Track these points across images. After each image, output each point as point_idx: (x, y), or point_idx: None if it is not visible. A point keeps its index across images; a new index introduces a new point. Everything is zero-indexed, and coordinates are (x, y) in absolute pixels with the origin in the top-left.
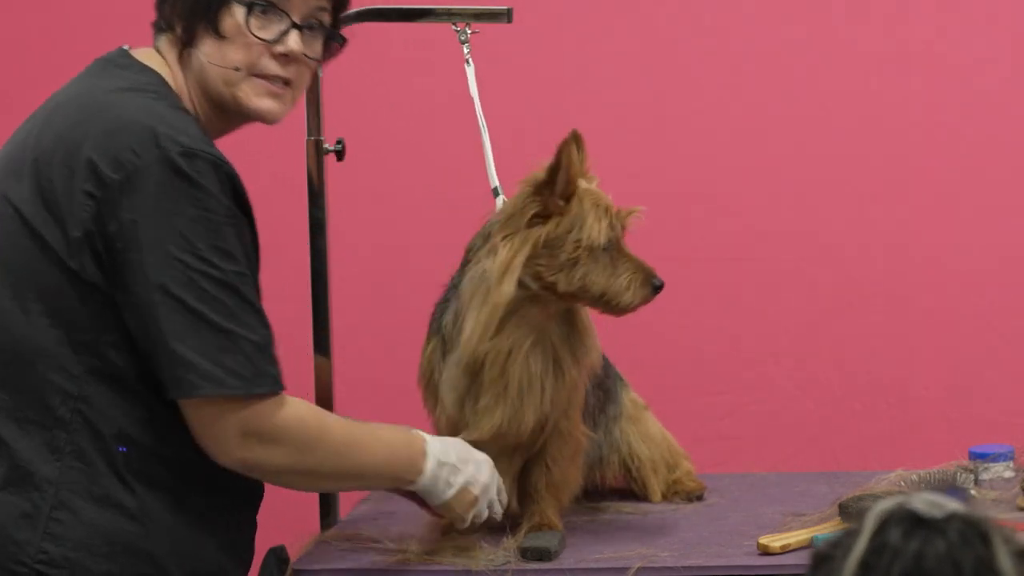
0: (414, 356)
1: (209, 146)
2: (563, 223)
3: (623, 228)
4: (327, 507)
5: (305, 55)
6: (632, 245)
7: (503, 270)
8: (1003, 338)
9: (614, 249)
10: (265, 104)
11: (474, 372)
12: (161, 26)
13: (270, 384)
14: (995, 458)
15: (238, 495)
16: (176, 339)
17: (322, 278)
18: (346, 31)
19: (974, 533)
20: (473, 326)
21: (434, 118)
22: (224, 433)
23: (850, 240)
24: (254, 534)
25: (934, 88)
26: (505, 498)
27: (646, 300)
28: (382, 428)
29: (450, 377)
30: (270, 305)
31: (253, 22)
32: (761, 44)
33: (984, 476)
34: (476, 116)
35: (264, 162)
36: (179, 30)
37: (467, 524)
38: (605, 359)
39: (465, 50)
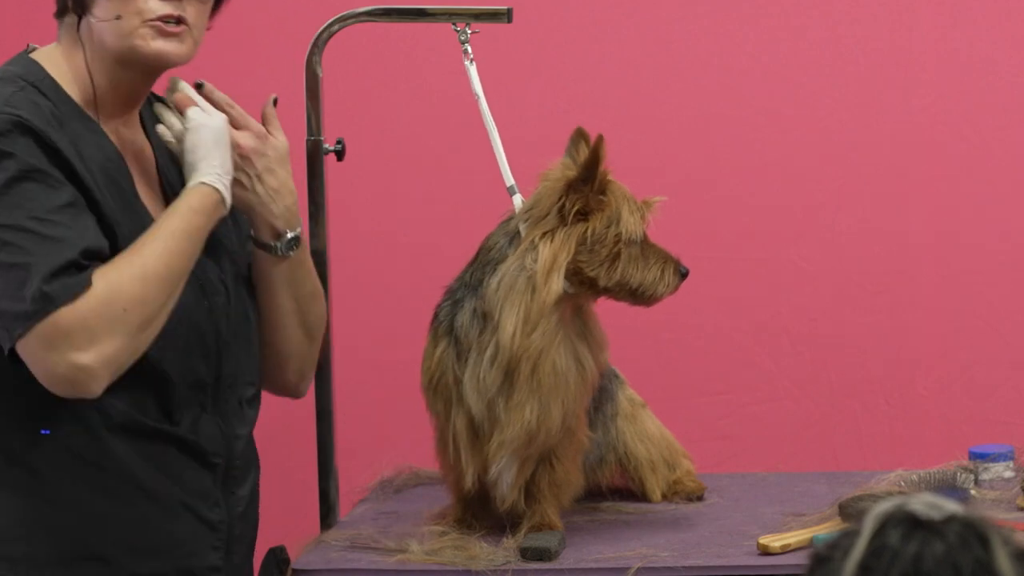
0: (414, 355)
1: (16, 109)
2: (603, 219)
3: (649, 218)
4: (327, 507)
5: None
6: None
7: (548, 268)
8: (1003, 338)
9: (643, 240)
10: (163, 45)
11: (511, 370)
12: (59, 11)
13: (61, 296)
14: (995, 458)
15: (161, 452)
16: None
17: (322, 278)
18: (348, 31)
19: (973, 535)
20: (515, 324)
21: (434, 118)
22: (54, 361)
23: (850, 240)
24: (214, 488)
25: (934, 89)
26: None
27: (676, 288)
28: (167, 219)
29: (479, 377)
30: None
31: None
32: (762, 43)
33: (984, 476)
34: (481, 116)
35: None
36: (71, 5)
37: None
38: None
39: (468, 50)
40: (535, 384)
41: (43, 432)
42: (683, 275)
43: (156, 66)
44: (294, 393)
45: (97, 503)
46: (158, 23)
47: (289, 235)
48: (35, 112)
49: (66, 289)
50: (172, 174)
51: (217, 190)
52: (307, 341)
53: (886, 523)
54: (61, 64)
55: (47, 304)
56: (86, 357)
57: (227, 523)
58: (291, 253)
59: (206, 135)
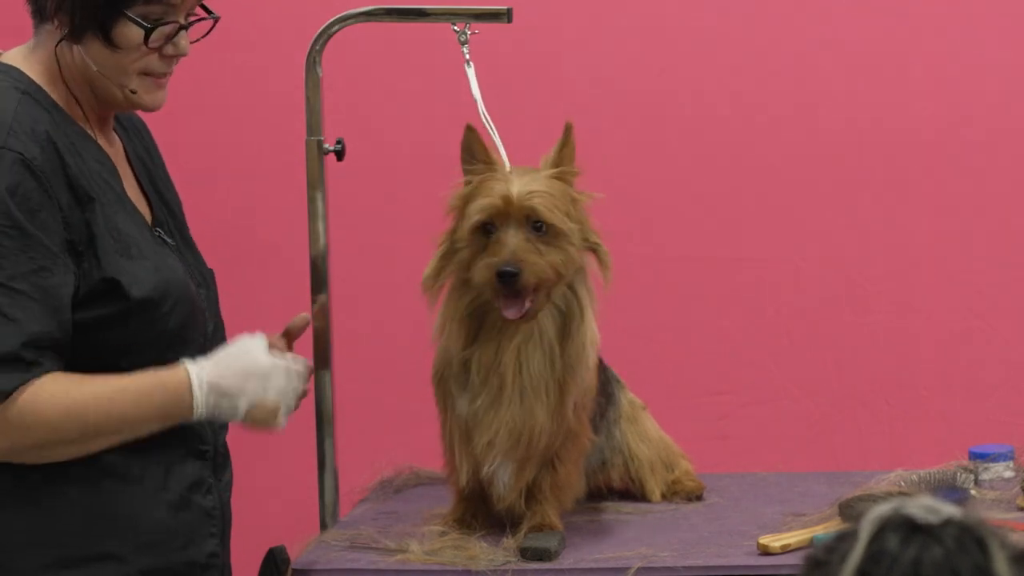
0: (415, 356)
1: (19, 141)
2: (455, 206)
3: (516, 214)
4: (327, 507)
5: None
6: (632, 244)
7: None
8: (1003, 338)
9: (495, 235)
10: (157, 98)
11: (461, 370)
12: (41, 16)
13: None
14: (995, 458)
15: (154, 446)
16: None
17: (322, 278)
18: (348, 31)
19: (971, 539)
20: (438, 322)
21: (434, 118)
22: None
23: (850, 240)
24: (207, 476)
25: (933, 89)
26: (303, 387)
27: (488, 283)
28: (134, 377)
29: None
30: (270, 304)
31: (151, 37)
32: (761, 43)
33: (984, 476)
34: (480, 117)
35: (264, 162)
36: (64, 28)
37: (281, 426)
38: (602, 361)
39: (465, 51)
40: (496, 387)
41: None
42: (498, 273)
43: (136, 110)
44: None
45: (95, 503)
46: (154, 77)
47: None
48: (34, 139)
49: (12, 382)
50: (143, 175)
51: (196, 405)
52: None
53: (884, 528)
54: (41, 72)
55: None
56: None
57: (220, 509)
58: None
59: (288, 377)
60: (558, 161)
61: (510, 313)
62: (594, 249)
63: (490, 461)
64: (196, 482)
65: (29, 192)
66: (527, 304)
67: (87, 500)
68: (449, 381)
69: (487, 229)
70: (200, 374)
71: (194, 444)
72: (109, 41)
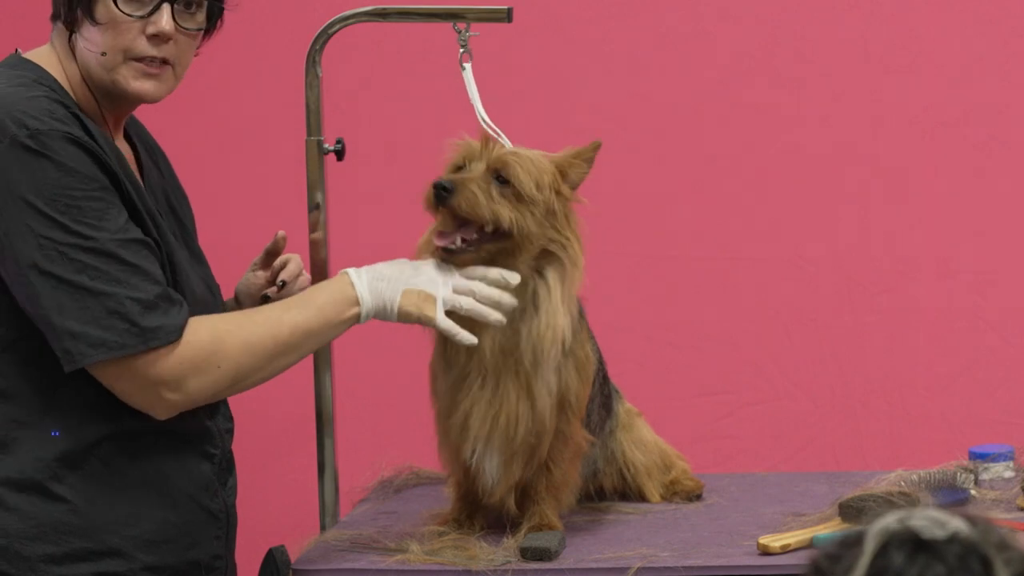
0: (413, 355)
1: (64, 124)
2: None
3: (486, 158)
4: (327, 507)
5: (182, 28)
6: (632, 244)
7: None
8: (1003, 338)
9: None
10: (143, 86)
11: (444, 348)
12: (53, 14)
13: (163, 337)
14: (995, 458)
15: (165, 447)
16: (59, 313)
17: (322, 278)
18: (348, 31)
19: (975, 557)
20: None
21: (434, 118)
22: (138, 390)
23: (850, 240)
24: (213, 479)
25: (933, 89)
26: (492, 292)
27: (428, 200)
28: (300, 295)
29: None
30: None
31: (122, 3)
32: (762, 43)
33: (984, 476)
34: (479, 118)
35: (264, 162)
36: (63, 17)
37: (441, 324)
38: (604, 374)
39: (462, 53)
40: (461, 370)
41: (53, 434)
42: (434, 186)
43: (133, 101)
44: None
45: (104, 499)
46: (141, 64)
47: None
48: (76, 124)
49: (166, 332)
50: (155, 187)
51: (361, 296)
52: None
53: (888, 543)
54: (59, 69)
55: (145, 340)
56: (174, 396)
57: (225, 512)
58: None
59: (441, 267)
60: (570, 157)
61: (438, 239)
62: (564, 245)
63: (469, 447)
64: (204, 484)
65: (85, 163)
66: (459, 240)
67: (96, 496)
68: (435, 362)
69: (460, 169)
70: (357, 270)
71: (204, 447)
72: (92, 16)
